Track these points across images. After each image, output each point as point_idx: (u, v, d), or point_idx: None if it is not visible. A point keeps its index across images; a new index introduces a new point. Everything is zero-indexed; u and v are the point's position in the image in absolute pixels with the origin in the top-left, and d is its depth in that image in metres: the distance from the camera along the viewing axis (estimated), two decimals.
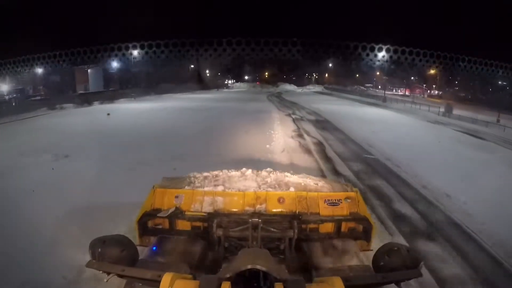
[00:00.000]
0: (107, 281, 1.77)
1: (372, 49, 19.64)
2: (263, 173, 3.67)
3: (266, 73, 68.85)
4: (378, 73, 51.73)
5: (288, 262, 2.68)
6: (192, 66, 46.67)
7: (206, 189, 3.13)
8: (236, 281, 1.53)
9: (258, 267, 1.56)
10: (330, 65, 53.47)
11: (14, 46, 19.11)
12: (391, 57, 19.88)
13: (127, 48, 20.91)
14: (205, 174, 3.60)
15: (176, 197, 3.05)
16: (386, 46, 19.35)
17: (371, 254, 3.06)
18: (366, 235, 3.00)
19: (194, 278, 1.63)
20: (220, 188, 3.13)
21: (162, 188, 3.13)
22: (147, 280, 1.63)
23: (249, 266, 1.56)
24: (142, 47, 20.69)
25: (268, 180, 3.45)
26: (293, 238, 2.74)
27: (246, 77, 67.07)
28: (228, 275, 1.53)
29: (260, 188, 3.19)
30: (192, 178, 3.47)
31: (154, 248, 2.61)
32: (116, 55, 21.64)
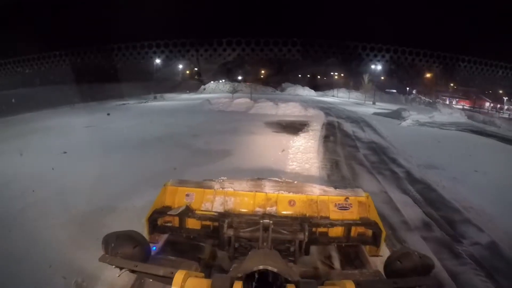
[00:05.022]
0: (119, 276, 1.77)
1: (372, 49, 19.65)
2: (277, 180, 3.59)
3: (263, 71, 53.84)
4: (427, 75, 41.60)
5: (297, 264, 2.67)
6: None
7: (216, 188, 3.11)
8: (247, 281, 1.53)
9: (270, 268, 1.54)
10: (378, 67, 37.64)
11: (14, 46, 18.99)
12: (391, 57, 19.89)
13: (127, 48, 20.88)
14: (218, 180, 3.45)
15: (187, 195, 3.03)
16: (386, 46, 19.33)
17: (380, 259, 3.03)
18: (375, 240, 2.95)
19: (206, 277, 1.62)
20: (230, 188, 3.11)
21: (174, 186, 3.11)
22: (160, 277, 1.61)
23: (261, 267, 1.55)
24: (142, 47, 20.67)
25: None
26: (303, 241, 2.71)
27: (240, 77, 50.60)
28: (239, 275, 1.52)
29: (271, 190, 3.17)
30: (204, 183, 3.39)
31: (162, 247, 2.60)
32: (116, 55, 21.58)
